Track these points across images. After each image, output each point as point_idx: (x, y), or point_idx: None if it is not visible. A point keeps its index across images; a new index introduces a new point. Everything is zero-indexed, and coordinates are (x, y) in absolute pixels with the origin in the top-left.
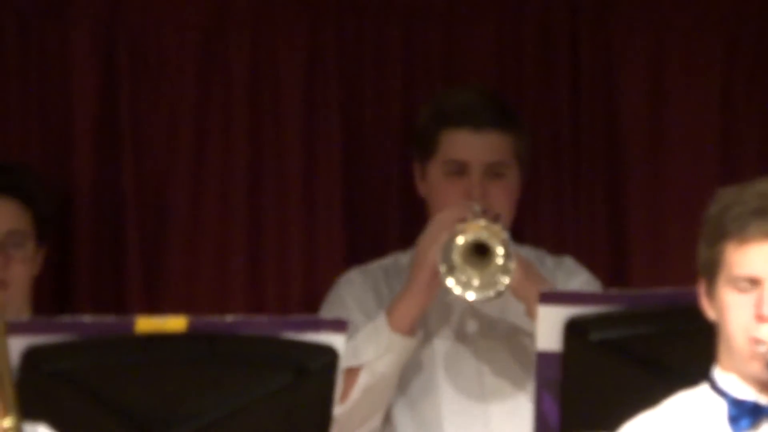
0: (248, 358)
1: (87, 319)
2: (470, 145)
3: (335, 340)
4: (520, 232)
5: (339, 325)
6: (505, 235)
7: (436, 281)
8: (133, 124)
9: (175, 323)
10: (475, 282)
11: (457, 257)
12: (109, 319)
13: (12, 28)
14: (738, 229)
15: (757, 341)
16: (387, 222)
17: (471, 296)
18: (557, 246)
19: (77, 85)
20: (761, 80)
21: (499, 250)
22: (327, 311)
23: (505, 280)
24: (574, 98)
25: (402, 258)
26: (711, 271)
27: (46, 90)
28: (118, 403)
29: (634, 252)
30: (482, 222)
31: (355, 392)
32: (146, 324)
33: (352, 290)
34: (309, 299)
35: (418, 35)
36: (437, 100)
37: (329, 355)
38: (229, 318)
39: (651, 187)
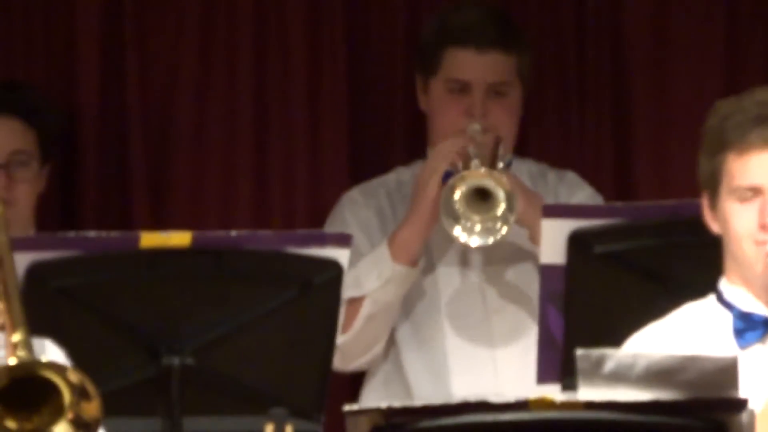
0: (253, 273)
1: (91, 234)
2: (473, 65)
3: (339, 254)
4: (524, 146)
5: (343, 240)
6: (507, 184)
7: (437, 211)
8: (138, 40)
9: (179, 238)
10: (477, 227)
11: (459, 205)
12: (114, 234)
13: None
14: (738, 138)
15: (764, 248)
16: (390, 135)
17: (474, 242)
18: (561, 161)
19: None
20: None
21: (501, 199)
22: (330, 230)
23: (504, 229)
24: (579, 12)
25: (404, 173)
26: (712, 183)
27: (50, 6)
28: (122, 318)
29: (638, 168)
30: (483, 170)
31: (358, 322)
32: (150, 239)
33: (354, 209)
34: (314, 214)
35: None
36: (442, 17)
37: (334, 269)
38: (234, 233)
39: (655, 101)
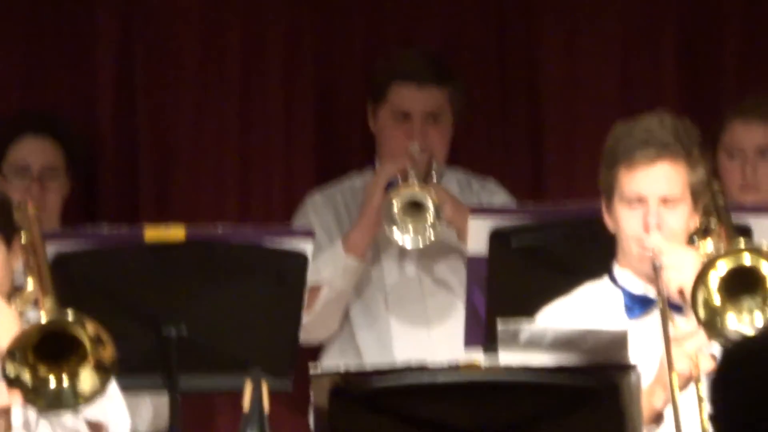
0: (236, 262)
1: (104, 229)
2: (413, 98)
3: (305, 246)
4: (455, 158)
5: (308, 234)
6: (436, 196)
7: (380, 217)
8: (147, 85)
9: (176, 233)
10: (411, 231)
11: (397, 213)
12: (123, 230)
13: None
14: (627, 157)
15: (645, 247)
16: (347, 147)
17: (408, 244)
18: (485, 170)
19: (100, 50)
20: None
21: (431, 209)
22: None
23: (433, 236)
24: (500, 46)
25: (357, 180)
26: (608, 191)
27: (71, 43)
28: (130, 298)
29: (549, 176)
30: (416, 184)
31: (318, 305)
32: (152, 234)
33: (316, 210)
34: (288, 212)
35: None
36: (389, 57)
37: (301, 260)
38: (220, 227)
39: (564, 123)
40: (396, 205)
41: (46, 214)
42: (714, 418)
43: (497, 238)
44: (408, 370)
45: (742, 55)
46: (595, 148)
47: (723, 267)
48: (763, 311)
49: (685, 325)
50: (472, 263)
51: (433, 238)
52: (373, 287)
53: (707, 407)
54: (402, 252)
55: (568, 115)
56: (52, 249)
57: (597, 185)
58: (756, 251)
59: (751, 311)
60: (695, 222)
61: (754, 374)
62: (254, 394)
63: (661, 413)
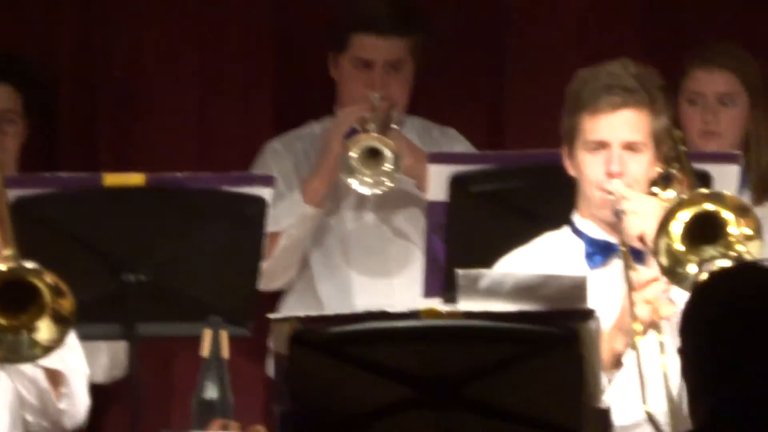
0: (196, 207)
1: (64, 174)
2: (375, 47)
3: (265, 192)
4: (416, 106)
5: (267, 180)
6: (394, 145)
7: (339, 164)
8: (107, 32)
9: (135, 179)
10: (368, 180)
11: (354, 162)
12: (82, 174)
13: None
14: (591, 102)
15: (607, 192)
16: (310, 94)
17: (365, 191)
18: (444, 121)
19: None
20: None
21: (389, 157)
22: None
23: (390, 183)
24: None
25: (316, 127)
26: (571, 136)
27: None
28: (89, 243)
29: (508, 125)
30: (375, 133)
31: (277, 251)
32: (112, 179)
33: (275, 157)
34: (247, 161)
35: None
36: (351, 5)
37: (260, 204)
38: (179, 174)
39: (525, 72)
40: (354, 154)
41: (4, 159)
42: (683, 351)
43: (457, 183)
44: (368, 315)
45: (704, 3)
46: (554, 99)
47: (685, 214)
48: (724, 259)
49: (646, 271)
50: (431, 209)
51: (390, 185)
52: (332, 236)
53: (668, 351)
54: (360, 201)
55: (528, 65)
56: (11, 194)
57: (557, 137)
58: (718, 198)
59: (712, 259)
60: (657, 169)
61: (723, 305)
62: (213, 340)
63: (620, 358)
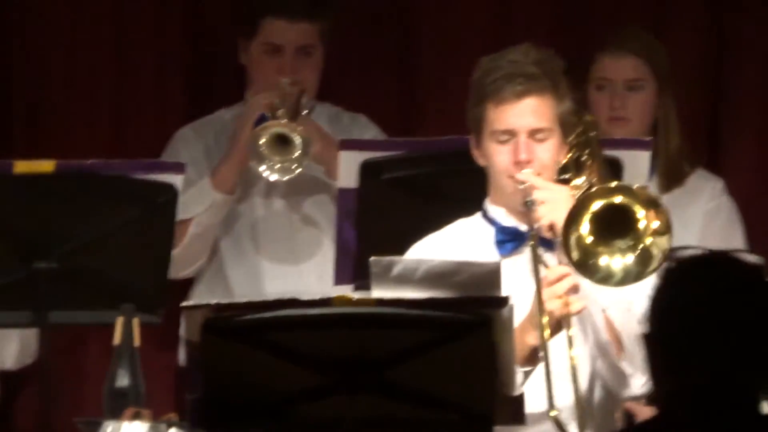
0: (107, 193)
1: None
2: (285, 32)
3: (175, 179)
4: (326, 91)
5: (178, 167)
6: (303, 131)
7: (248, 151)
8: (19, 19)
9: (45, 165)
10: (277, 166)
11: (263, 148)
12: None
13: None
14: (495, 92)
15: (517, 180)
16: (222, 80)
17: (273, 178)
18: (357, 105)
19: None
20: None
21: (298, 144)
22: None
23: (298, 169)
24: None
25: (226, 113)
26: (477, 126)
27: None
28: (2, 230)
29: (419, 112)
30: (284, 120)
31: (187, 239)
32: (22, 166)
33: (185, 144)
34: (160, 149)
35: None
36: None
37: (171, 191)
38: (90, 161)
39: (437, 59)
40: (263, 140)
41: None
42: (648, 336)
43: (367, 170)
44: (280, 302)
45: None
46: (466, 84)
47: (595, 206)
48: (633, 251)
49: (557, 265)
50: (342, 196)
51: (299, 171)
52: (242, 222)
53: (576, 345)
54: (270, 187)
55: (439, 51)
56: None
57: (467, 124)
58: (628, 191)
59: (623, 251)
60: (568, 155)
61: (693, 292)
62: (125, 328)
63: (536, 353)
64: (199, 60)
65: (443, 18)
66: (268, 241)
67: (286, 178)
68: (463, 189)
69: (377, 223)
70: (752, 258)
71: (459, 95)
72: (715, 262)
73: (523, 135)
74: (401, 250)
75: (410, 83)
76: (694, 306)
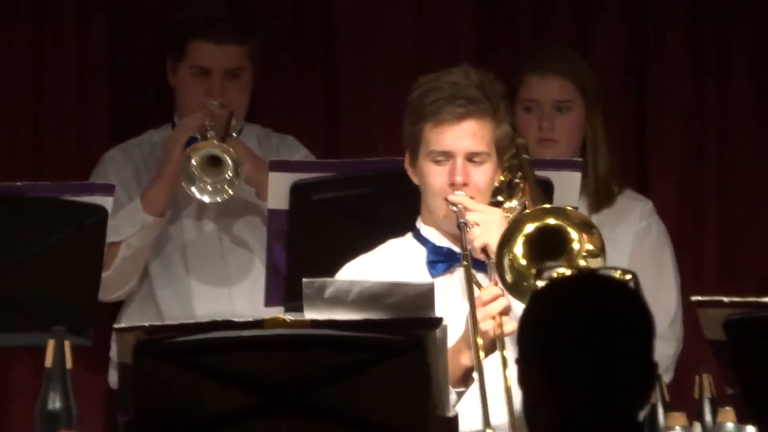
0: (36, 215)
1: None
2: (212, 55)
3: (105, 201)
4: (254, 113)
5: (107, 189)
6: (234, 153)
7: (179, 172)
8: None
9: None
10: (209, 188)
11: (195, 169)
12: None
13: None
14: (434, 113)
15: (451, 203)
16: (149, 103)
17: (206, 199)
18: (284, 126)
19: None
20: None
21: (229, 165)
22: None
23: (231, 191)
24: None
25: (154, 135)
26: (413, 145)
27: None
28: None
29: (345, 132)
30: (215, 141)
31: (117, 262)
32: None
33: (115, 167)
34: (83, 172)
35: None
36: (187, 10)
37: (100, 212)
38: (19, 183)
39: (359, 82)
40: (194, 162)
41: None
42: (520, 359)
43: (298, 191)
44: (213, 324)
45: (537, 9)
46: (389, 104)
47: (528, 228)
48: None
49: (490, 285)
50: (272, 217)
51: (231, 193)
52: (172, 244)
53: (510, 365)
54: (201, 209)
55: (363, 71)
56: None
57: (392, 143)
58: (562, 213)
59: (551, 268)
60: (500, 178)
61: (561, 312)
62: (57, 350)
63: (470, 373)
64: (122, 80)
65: (367, 37)
66: (198, 263)
67: (219, 199)
68: (392, 210)
69: (308, 244)
70: (623, 273)
71: (382, 114)
72: (581, 281)
73: (460, 157)
74: (332, 271)
75: (333, 104)
76: (564, 326)
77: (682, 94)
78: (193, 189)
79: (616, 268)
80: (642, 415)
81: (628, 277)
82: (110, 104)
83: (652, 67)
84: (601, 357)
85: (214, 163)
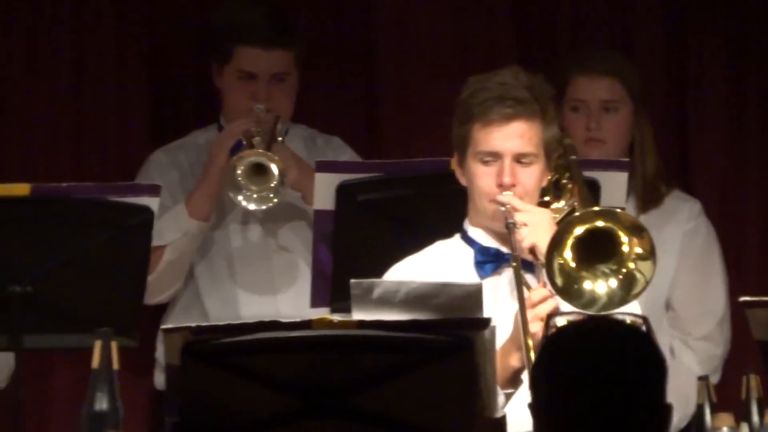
0: (80, 216)
1: None
2: (259, 60)
3: (151, 201)
4: (300, 115)
5: (153, 190)
6: (280, 161)
7: (224, 180)
8: None
9: (20, 188)
10: (255, 196)
11: (241, 178)
12: None
13: None
14: (482, 113)
15: (499, 204)
16: (187, 105)
17: (252, 207)
18: (330, 127)
19: None
20: None
21: (275, 173)
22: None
23: (276, 199)
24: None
25: (199, 136)
26: (461, 146)
27: None
28: None
29: (386, 135)
30: (260, 149)
31: (161, 265)
32: None
33: (160, 169)
34: (122, 173)
35: None
36: (232, 14)
37: (146, 213)
38: (65, 184)
39: (400, 81)
40: (240, 170)
41: None
42: (532, 406)
43: (344, 192)
44: (260, 325)
45: (575, 14)
46: (431, 105)
47: (578, 231)
48: (617, 276)
49: (539, 286)
50: (318, 218)
51: (276, 201)
52: (218, 249)
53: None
54: (246, 214)
55: (403, 78)
56: None
57: (434, 143)
58: (612, 216)
59: (606, 276)
60: (548, 179)
61: (572, 361)
62: (103, 351)
63: (518, 374)
64: (162, 83)
65: (406, 42)
66: (244, 267)
67: (264, 207)
68: (438, 211)
69: (353, 245)
70: (633, 317)
71: (421, 123)
72: (592, 328)
73: (508, 158)
74: (377, 272)
75: (373, 111)
76: (574, 377)
77: (724, 95)
78: (239, 197)
79: (627, 314)
80: None
81: (639, 321)
82: (149, 108)
83: (692, 69)
84: (613, 405)
85: (259, 171)
